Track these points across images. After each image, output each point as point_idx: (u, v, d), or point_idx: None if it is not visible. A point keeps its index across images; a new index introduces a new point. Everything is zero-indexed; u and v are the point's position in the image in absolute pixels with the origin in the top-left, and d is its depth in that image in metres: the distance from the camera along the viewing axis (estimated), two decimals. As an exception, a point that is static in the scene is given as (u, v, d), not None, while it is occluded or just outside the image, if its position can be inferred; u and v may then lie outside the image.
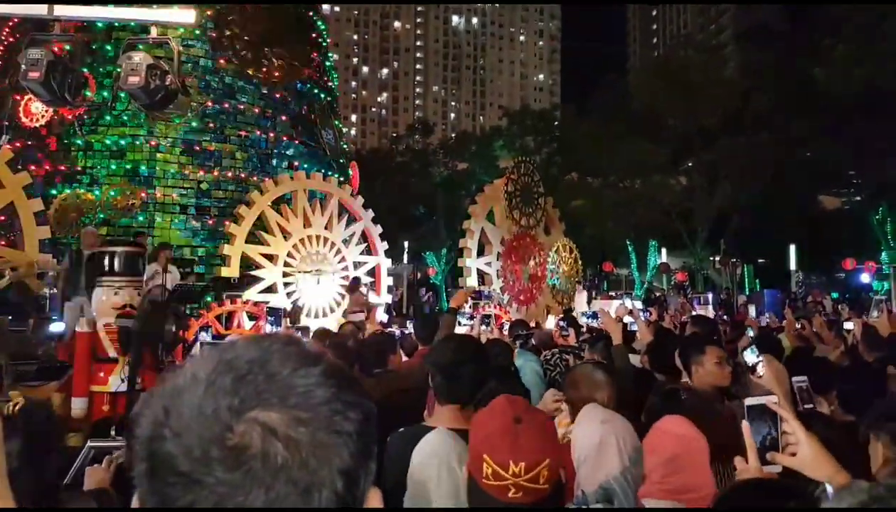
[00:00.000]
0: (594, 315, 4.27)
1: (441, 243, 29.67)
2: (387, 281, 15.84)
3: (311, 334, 4.05)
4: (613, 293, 23.48)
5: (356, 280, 13.21)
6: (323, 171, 15.55)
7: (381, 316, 12.08)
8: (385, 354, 3.58)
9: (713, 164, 26.38)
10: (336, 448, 0.61)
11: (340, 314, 14.06)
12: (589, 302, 15.90)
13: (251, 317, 11.35)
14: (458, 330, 6.72)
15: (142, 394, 2.18)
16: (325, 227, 14.20)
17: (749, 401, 1.31)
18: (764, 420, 1.26)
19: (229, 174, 15.05)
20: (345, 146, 19.37)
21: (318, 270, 13.80)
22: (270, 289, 13.02)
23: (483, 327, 4.82)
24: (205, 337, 4.79)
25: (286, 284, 13.22)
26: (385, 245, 15.69)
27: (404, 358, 4.22)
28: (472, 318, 4.73)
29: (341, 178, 17.63)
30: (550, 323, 9.06)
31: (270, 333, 0.75)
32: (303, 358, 0.64)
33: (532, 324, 8.74)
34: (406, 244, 29.31)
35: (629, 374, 3.36)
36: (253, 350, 0.65)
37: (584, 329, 5.25)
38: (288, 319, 3.95)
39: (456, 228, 27.17)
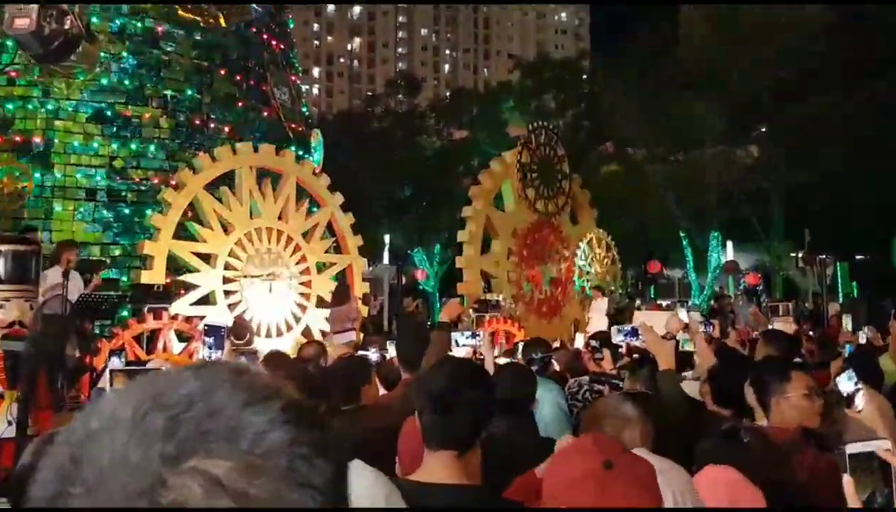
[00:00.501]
0: (633, 332, 4.31)
1: (433, 237, 29.73)
2: (361, 288, 15.98)
3: (262, 359, 4.06)
4: (663, 302, 23.58)
5: (344, 286, 13.45)
6: (276, 142, 15.59)
7: (349, 337, 12.21)
8: (356, 386, 3.64)
9: (794, 131, 26.28)
10: (300, 505, 0.60)
11: (300, 333, 14.17)
12: (627, 314, 16.00)
13: (182, 337, 11.33)
14: (456, 352, 6.76)
15: (35, 440, 2.18)
16: (279, 218, 14.25)
17: (852, 448, 1.29)
18: (871, 472, 1.24)
19: (151, 148, 15.04)
20: (305, 109, 19.41)
21: (270, 275, 13.89)
22: (207, 299, 13.03)
23: (482, 348, 4.82)
24: (117, 363, 4.72)
25: (228, 294, 13.28)
26: (359, 240, 15.78)
27: (382, 390, 4.27)
28: (474, 336, 4.77)
29: (300, 152, 17.64)
30: (579, 342, 9.09)
31: (209, 360, 0.73)
32: (255, 391, 0.64)
33: (555, 344, 8.72)
34: (387, 239, 29.37)
35: (679, 406, 3.39)
36: (190, 381, 0.64)
37: (623, 350, 5.29)
38: (231, 340, 3.94)
39: (453, 217, 27.28)
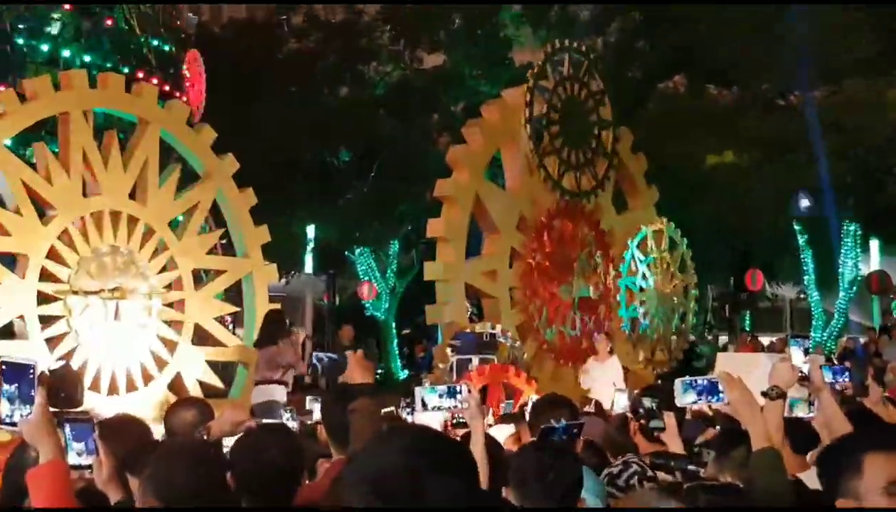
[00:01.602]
0: (712, 388, 4.32)
1: (387, 231, 29.69)
2: (266, 312, 15.89)
3: (99, 430, 4.05)
4: (765, 339, 23.65)
5: (274, 318, 14.29)
6: (125, 69, 15.48)
7: (275, 392, 12.75)
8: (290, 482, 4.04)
9: None
10: None
11: (166, 385, 14.07)
12: (704, 361, 16.10)
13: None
14: (424, 419, 6.63)
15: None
16: (132, 196, 14.40)
17: None
18: None
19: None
20: (168, 15, 19.26)
21: (115, 291, 13.94)
22: (11, 330, 13.04)
23: (465, 413, 4.95)
24: None
25: (48, 321, 13.29)
26: (264, 234, 16.09)
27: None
28: (452, 392, 4.80)
29: (165, 87, 17.44)
30: (621, 402, 9.09)
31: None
32: None
33: (586, 407, 8.65)
34: (311, 232, 29.40)
35: (784, 503, 3.48)
36: None
37: (688, 415, 5.37)
38: (42, 395, 3.89)
39: (420, 198, 27.21)
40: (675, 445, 5.25)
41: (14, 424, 3.61)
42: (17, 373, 3.70)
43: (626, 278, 19.14)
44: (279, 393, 12.96)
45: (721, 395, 4.24)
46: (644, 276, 19.49)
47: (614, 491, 4.62)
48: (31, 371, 3.70)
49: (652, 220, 19.88)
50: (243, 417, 4.51)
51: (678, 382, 4.77)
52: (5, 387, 3.63)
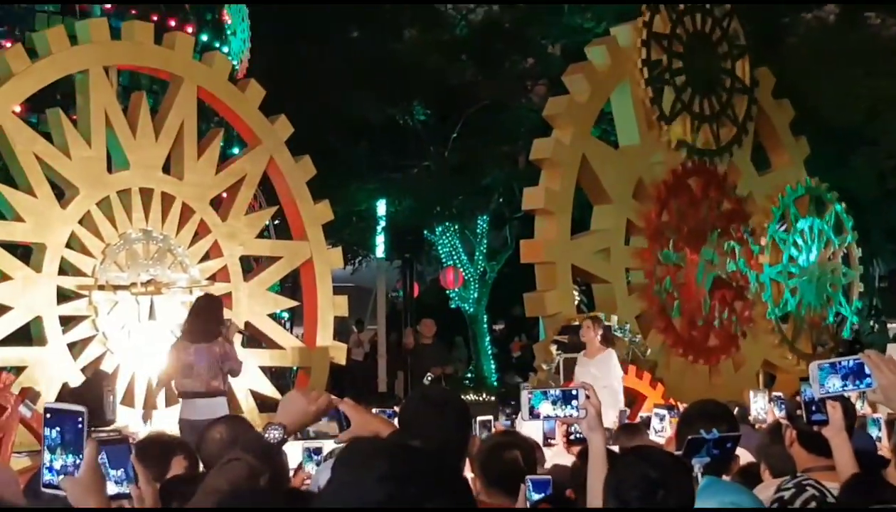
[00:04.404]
0: (859, 371, 4.22)
1: (473, 204, 29.66)
2: (332, 308, 16.05)
3: (136, 452, 4.05)
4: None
5: (213, 302, 13.11)
6: (157, 19, 15.57)
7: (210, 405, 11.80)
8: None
9: None
10: None
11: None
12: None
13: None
14: (528, 431, 6.61)
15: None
16: (165, 169, 14.52)
17: None
18: None
19: None
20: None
21: (148, 284, 14.08)
22: (28, 334, 13.24)
23: (583, 424, 4.82)
24: None
25: (70, 323, 13.45)
26: (326, 212, 16.21)
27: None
28: (568, 398, 4.74)
29: (205, 37, 17.43)
30: (759, 406, 8.98)
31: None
32: None
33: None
34: (382, 208, 29.47)
35: None
36: None
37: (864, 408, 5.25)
38: (94, 447, 4.01)
39: (513, 161, 27.05)
40: (842, 447, 5.10)
41: (54, 486, 3.66)
42: (63, 419, 3.77)
43: (772, 229, 18.77)
44: (222, 408, 11.97)
45: (869, 379, 4.13)
46: (795, 244, 19.17)
47: None
48: (80, 420, 3.76)
49: (801, 179, 19.54)
50: (323, 397, 4.41)
51: (815, 366, 4.65)
52: (48, 433, 3.71)
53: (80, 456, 3.65)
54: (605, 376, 13.41)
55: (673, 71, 17.84)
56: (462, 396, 7.67)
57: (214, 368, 12.03)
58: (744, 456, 6.40)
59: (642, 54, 17.42)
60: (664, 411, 8.93)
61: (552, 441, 8.76)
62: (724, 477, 5.15)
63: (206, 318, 12.46)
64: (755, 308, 18.61)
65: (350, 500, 2.24)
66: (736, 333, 18.33)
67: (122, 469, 3.94)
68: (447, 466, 2.46)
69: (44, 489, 3.69)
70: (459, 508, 2.29)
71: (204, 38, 17.53)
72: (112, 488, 3.88)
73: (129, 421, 12.56)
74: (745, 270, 18.46)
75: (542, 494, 5.35)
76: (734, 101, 18.77)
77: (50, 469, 3.64)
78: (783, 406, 9.95)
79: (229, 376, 12.38)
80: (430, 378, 17.86)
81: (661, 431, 8.42)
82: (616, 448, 6.73)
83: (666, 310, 17.54)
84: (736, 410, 9.83)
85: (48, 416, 3.71)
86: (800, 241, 19.35)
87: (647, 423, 9.69)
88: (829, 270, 19.81)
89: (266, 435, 4.04)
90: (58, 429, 3.70)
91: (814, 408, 5.18)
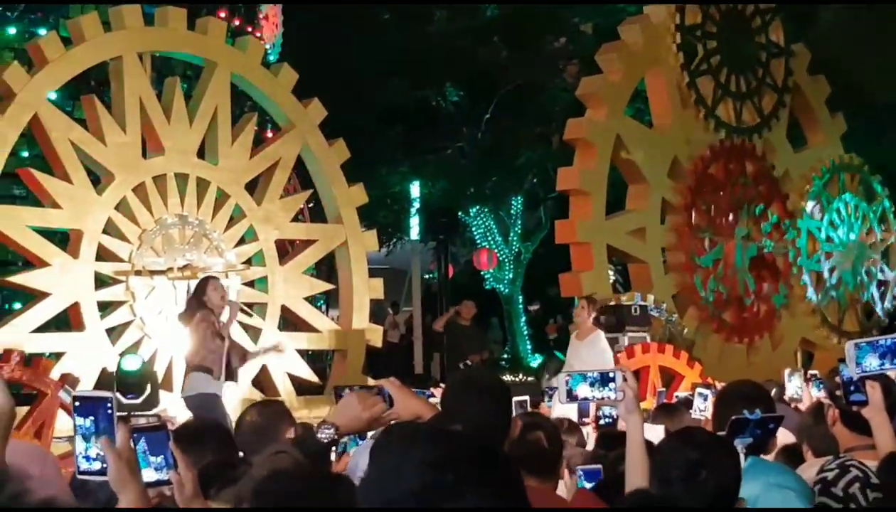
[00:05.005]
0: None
1: (507, 185, 29.62)
2: (367, 288, 16.12)
3: (174, 437, 4.06)
4: None
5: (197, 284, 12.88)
6: (190, 3, 15.60)
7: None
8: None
9: None
10: None
11: (250, 380, 14.23)
12: None
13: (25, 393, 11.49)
14: (564, 409, 6.59)
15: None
16: (199, 154, 14.61)
17: None
18: None
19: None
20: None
21: (184, 269, 14.19)
22: (66, 319, 13.31)
23: (620, 406, 4.86)
24: None
25: (107, 308, 13.54)
26: (361, 195, 16.24)
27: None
28: (606, 381, 4.74)
29: (235, 21, 17.47)
30: (794, 387, 9.14)
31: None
32: None
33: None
34: (416, 190, 29.49)
35: None
36: None
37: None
38: (125, 431, 4.01)
39: (547, 141, 26.98)
40: (882, 426, 5.07)
41: (94, 472, 3.66)
42: (93, 406, 3.79)
43: (807, 220, 18.70)
44: (214, 385, 11.82)
45: None
46: (831, 223, 19.08)
47: (829, 501, 4.52)
48: (109, 405, 3.78)
49: (838, 157, 19.41)
50: (378, 405, 4.43)
51: (851, 345, 4.61)
52: (79, 422, 3.73)
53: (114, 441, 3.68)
54: (594, 358, 13.11)
55: (709, 52, 17.75)
56: (498, 378, 7.68)
57: (206, 344, 11.80)
58: (781, 435, 6.39)
59: (676, 39, 17.35)
60: (707, 391, 8.89)
61: (585, 420, 8.76)
62: (765, 457, 5.15)
63: (188, 301, 12.61)
64: (793, 287, 18.51)
65: (389, 487, 2.24)
66: (775, 310, 18.25)
67: (162, 455, 3.96)
68: (488, 451, 2.42)
69: (80, 476, 3.71)
70: (499, 493, 2.25)
71: (237, 22, 17.54)
72: (151, 475, 3.90)
73: (167, 405, 12.61)
74: (782, 248, 18.37)
75: (594, 483, 5.36)
76: (765, 88, 18.64)
77: (87, 458, 3.66)
78: (820, 385, 9.93)
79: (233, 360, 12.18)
80: (468, 364, 17.83)
81: (704, 410, 8.39)
82: (655, 426, 6.70)
83: (702, 289, 17.46)
84: (774, 391, 9.83)
85: (77, 404, 3.73)
86: (836, 220, 19.23)
87: (684, 402, 9.67)
88: (868, 249, 19.69)
89: (318, 434, 4.06)
90: (91, 417, 3.72)
91: (852, 387, 5.14)
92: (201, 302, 11.96)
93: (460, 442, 2.43)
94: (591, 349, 13.42)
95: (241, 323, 14.42)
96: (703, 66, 17.84)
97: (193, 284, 13.82)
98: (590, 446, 7.57)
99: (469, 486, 2.21)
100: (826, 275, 19.18)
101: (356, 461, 6.19)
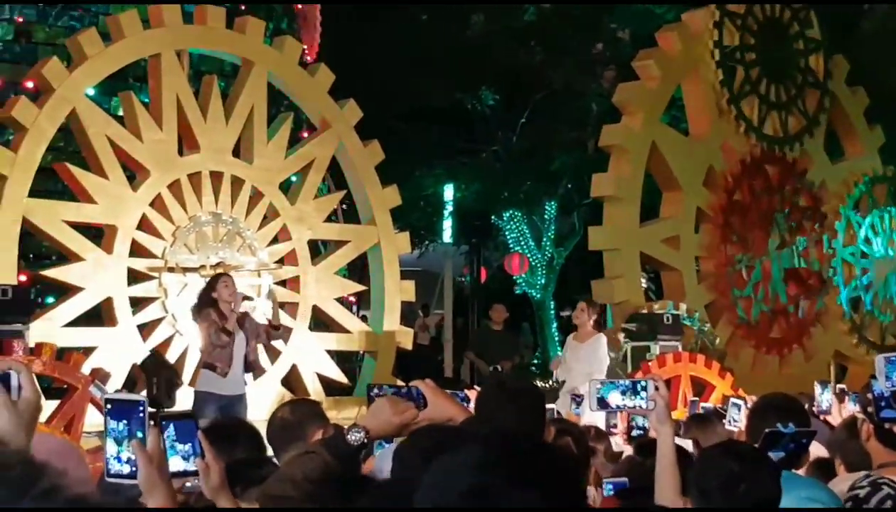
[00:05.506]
0: None
1: (541, 189, 29.59)
2: (399, 290, 16.12)
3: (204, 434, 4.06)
4: None
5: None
6: (228, 3, 15.64)
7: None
8: None
9: None
10: None
11: (280, 379, 14.25)
12: None
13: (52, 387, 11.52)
14: (593, 417, 6.58)
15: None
16: (235, 153, 14.61)
17: None
18: None
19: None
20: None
21: (217, 267, 14.11)
22: (99, 314, 13.33)
23: (652, 416, 4.85)
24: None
25: (140, 304, 13.61)
26: (394, 196, 16.27)
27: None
28: (637, 389, 4.71)
29: (275, 22, 17.49)
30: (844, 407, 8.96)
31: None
32: None
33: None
34: (449, 193, 29.40)
35: None
36: None
37: None
38: (156, 434, 4.06)
39: (582, 147, 26.91)
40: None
41: (124, 476, 3.66)
42: (126, 410, 3.79)
43: (839, 249, 18.60)
44: (217, 383, 12.01)
45: None
46: (867, 239, 18.95)
47: None
48: (141, 408, 3.78)
49: (876, 169, 19.28)
50: (410, 410, 4.42)
51: (881, 359, 4.55)
52: (111, 425, 3.73)
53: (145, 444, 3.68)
54: (591, 362, 13.37)
55: (745, 49, 17.69)
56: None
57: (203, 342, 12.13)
58: (812, 448, 6.36)
59: (714, 36, 17.28)
60: (741, 401, 8.84)
61: (613, 430, 8.73)
62: (797, 471, 5.11)
63: (198, 295, 12.63)
64: (827, 296, 18.40)
65: (447, 492, 2.22)
66: (809, 322, 18.13)
67: (190, 444, 3.96)
68: (539, 452, 2.39)
69: (109, 479, 3.70)
70: (547, 493, 2.21)
71: (275, 21, 17.57)
72: (178, 464, 3.90)
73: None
74: (817, 262, 18.27)
75: (621, 490, 5.33)
76: (805, 95, 18.54)
77: (119, 459, 3.66)
78: (855, 399, 9.86)
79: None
80: (498, 369, 17.77)
81: (738, 421, 8.34)
82: (685, 441, 6.68)
83: (735, 299, 17.37)
84: (807, 405, 9.78)
85: (109, 407, 3.73)
86: (870, 235, 19.10)
87: (715, 413, 9.62)
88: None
89: (348, 437, 4.07)
90: (124, 421, 3.72)
91: (883, 403, 5.07)
92: (210, 297, 12.06)
93: (508, 442, 2.42)
94: (591, 354, 13.53)
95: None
96: (746, 87, 17.74)
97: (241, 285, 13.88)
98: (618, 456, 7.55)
99: (517, 485, 2.19)
100: (862, 292, 19.06)
101: (380, 465, 6.21)
